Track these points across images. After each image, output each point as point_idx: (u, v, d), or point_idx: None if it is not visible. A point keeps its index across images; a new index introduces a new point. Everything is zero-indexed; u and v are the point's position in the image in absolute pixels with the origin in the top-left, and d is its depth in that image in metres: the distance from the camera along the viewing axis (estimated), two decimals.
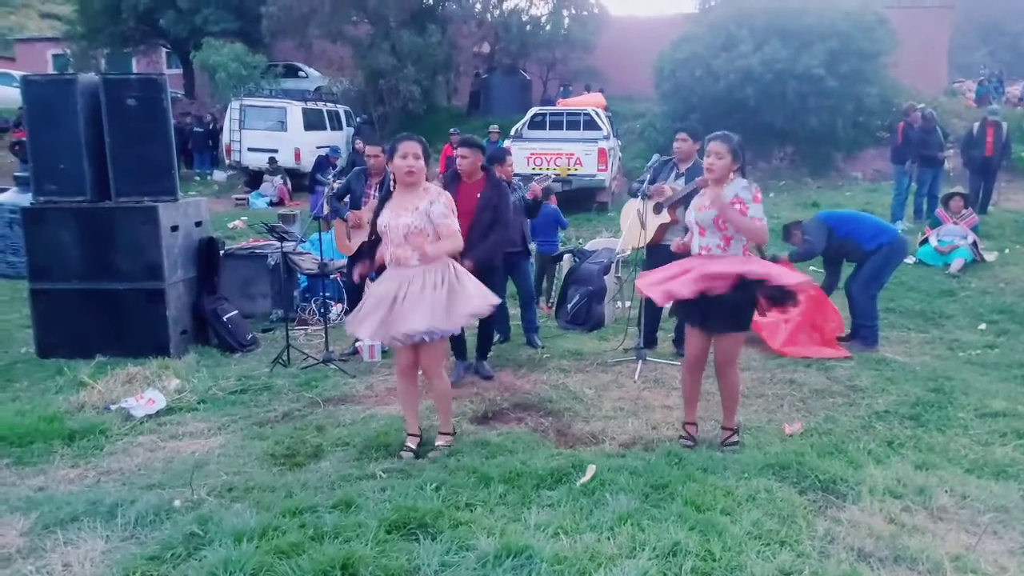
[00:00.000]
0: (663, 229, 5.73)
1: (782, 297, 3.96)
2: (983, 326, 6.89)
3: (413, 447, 4.17)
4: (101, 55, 26.11)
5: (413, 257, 3.90)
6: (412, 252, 3.89)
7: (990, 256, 9.51)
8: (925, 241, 9.64)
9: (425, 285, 3.86)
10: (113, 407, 4.92)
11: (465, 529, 3.12)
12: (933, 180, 11.89)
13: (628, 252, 6.57)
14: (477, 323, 5.35)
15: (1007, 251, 9.97)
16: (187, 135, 20.62)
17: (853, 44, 16.72)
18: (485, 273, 4.80)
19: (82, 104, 5.95)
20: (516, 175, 6.65)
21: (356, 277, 4.55)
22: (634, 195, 6.07)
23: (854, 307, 6.30)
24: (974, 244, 9.42)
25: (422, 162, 3.99)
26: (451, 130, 16.26)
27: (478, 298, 3.99)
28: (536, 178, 6.41)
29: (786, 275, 4.00)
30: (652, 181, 5.87)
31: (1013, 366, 5.68)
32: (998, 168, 12.34)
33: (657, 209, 5.75)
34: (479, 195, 5.22)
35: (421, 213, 3.90)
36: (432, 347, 4.03)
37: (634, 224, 5.89)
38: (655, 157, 6.10)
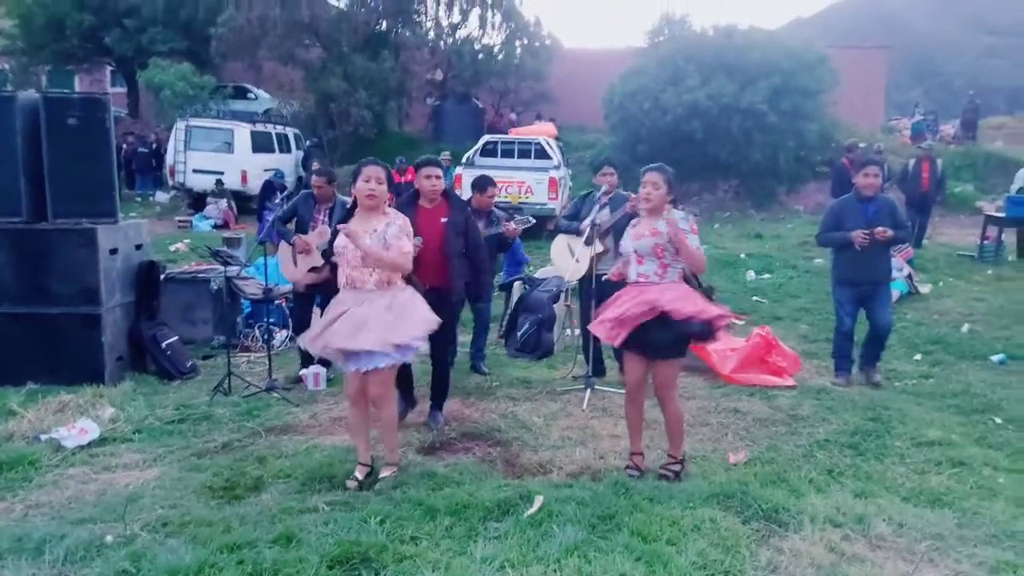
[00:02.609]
0: (597, 260, 5.80)
1: (704, 334, 4.08)
2: (918, 356, 7.09)
3: (360, 477, 4.12)
4: (43, 72, 25.51)
5: (370, 280, 3.99)
6: (370, 275, 3.97)
7: (924, 288, 9.84)
8: None
9: (376, 307, 3.95)
10: (43, 437, 4.72)
11: (410, 563, 3.08)
12: None
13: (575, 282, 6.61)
14: (432, 367, 5.22)
15: (941, 284, 10.33)
16: (130, 155, 20.20)
17: (795, 81, 17.29)
18: (444, 301, 4.76)
19: (21, 122, 5.77)
20: (497, 206, 6.52)
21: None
22: (563, 232, 6.18)
23: (885, 336, 6.24)
24: (909, 276, 9.73)
25: (384, 187, 4.07)
26: (398, 159, 16.19)
27: (422, 323, 4.06)
28: (516, 218, 6.40)
29: (706, 311, 4.02)
30: (576, 217, 6.04)
31: (947, 396, 5.85)
32: (933, 203, 12.83)
33: (588, 241, 5.80)
34: (443, 220, 4.89)
35: (379, 236, 3.98)
36: (379, 375, 4.02)
37: (566, 259, 5.97)
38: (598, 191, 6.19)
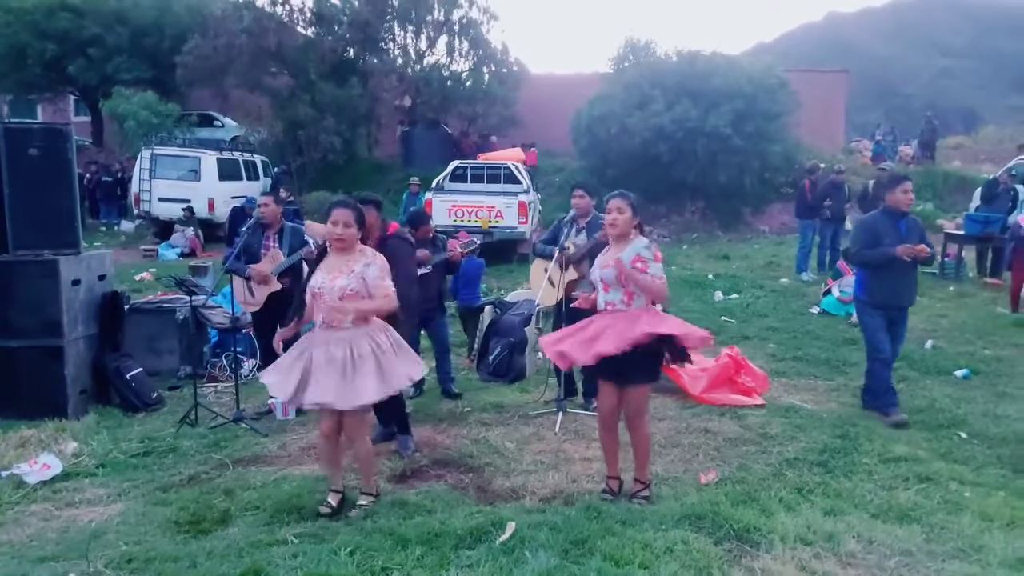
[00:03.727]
0: (572, 286, 5.81)
1: (681, 355, 4.14)
2: None
3: (334, 503, 4.10)
4: (4, 101, 25.21)
5: (347, 319, 3.92)
6: (346, 315, 3.90)
7: None
8: (828, 292, 10.10)
9: (363, 350, 3.89)
10: (4, 474, 4.64)
11: None
12: (835, 234, 12.54)
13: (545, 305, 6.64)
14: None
15: None
16: (94, 184, 19.96)
17: (757, 105, 17.64)
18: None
19: None
20: (438, 230, 6.68)
21: (278, 345, 4.24)
22: (541, 256, 6.18)
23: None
24: None
25: (353, 230, 4.00)
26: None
27: (414, 362, 4.15)
28: (461, 242, 6.44)
29: (688, 336, 4.09)
30: (554, 240, 5.97)
31: (913, 411, 5.92)
32: None
33: (563, 266, 5.83)
34: None
35: (357, 275, 3.95)
36: (356, 413, 4.00)
37: (542, 282, 5.98)
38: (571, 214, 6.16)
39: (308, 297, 4.06)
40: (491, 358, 7.20)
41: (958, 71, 61.36)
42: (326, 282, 3.95)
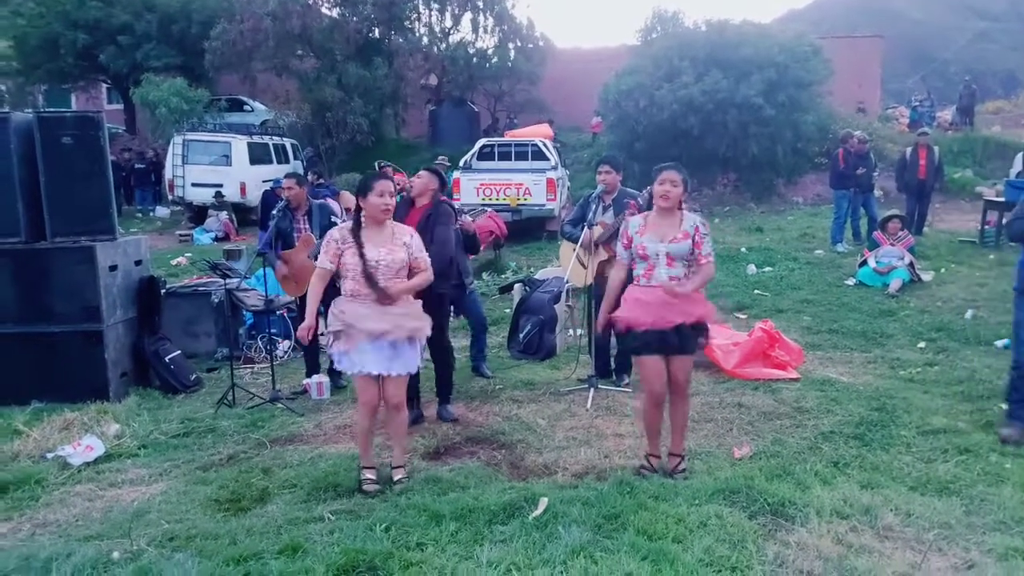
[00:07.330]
0: (603, 266, 5.73)
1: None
2: (922, 344, 7.07)
3: (376, 479, 4.17)
4: (39, 91, 25.60)
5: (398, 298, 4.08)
6: (398, 296, 4.06)
7: (927, 276, 9.82)
8: (864, 263, 9.92)
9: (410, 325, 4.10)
10: (49, 455, 4.75)
11: (416, 570, 3.08)
12: (867, 203, 12.29)
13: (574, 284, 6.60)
14: (433, 368, 5.38)
15: (943, 270, 10.31)
16: (128, 171, 20.24)
17: (789, 74, 17.25)
18: (435, 306, 4.78)
19: (16, 143, 5.80)
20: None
21: (306, 337, 4.29)
22: (569, 239, 6.05)
23: None
24: (911, 264, 9.71)
25: (395, 199, 4.21)
26: (378, 162, 16.12)
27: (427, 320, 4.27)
28: (466, 214, 6.41)
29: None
30: (581, 220, 5.84)
31: (952, 383, 5.82)
32: (932, 190, 12.81)
33: (592, 248, 5.77)
34: (419, 216, 5.15)
35: (407, 248, 4.14)
36: (400, 380, 4.13)
37: (575, 265, 5.92)
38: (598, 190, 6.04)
39: (359, 271, 4.01)
40: (521, 336, 7.20)
41: (996, 34, 59.45)
42: (383, 256, 4.02)
